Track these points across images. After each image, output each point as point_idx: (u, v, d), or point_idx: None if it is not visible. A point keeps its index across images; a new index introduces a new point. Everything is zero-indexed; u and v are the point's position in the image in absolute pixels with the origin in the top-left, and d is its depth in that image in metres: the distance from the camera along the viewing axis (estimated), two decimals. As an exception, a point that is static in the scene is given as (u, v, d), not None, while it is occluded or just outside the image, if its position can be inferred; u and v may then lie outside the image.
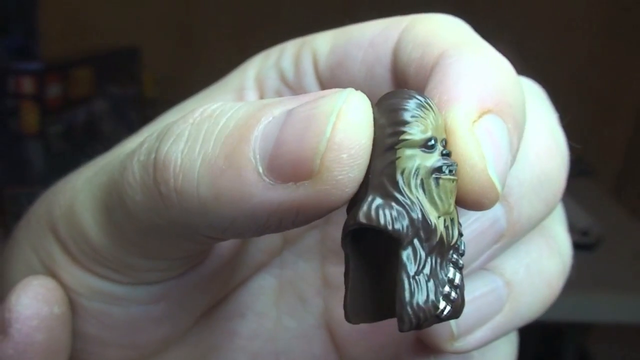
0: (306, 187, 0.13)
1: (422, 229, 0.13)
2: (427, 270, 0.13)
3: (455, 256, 0.14)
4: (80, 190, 0.18)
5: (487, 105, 0.14)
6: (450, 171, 0.14)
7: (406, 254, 0.13)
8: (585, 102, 1.29)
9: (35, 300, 0.16)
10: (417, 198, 0.13)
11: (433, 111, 0.14)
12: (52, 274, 0.18)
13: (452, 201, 0.14)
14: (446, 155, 0.14)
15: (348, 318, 0.14)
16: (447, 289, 0.14)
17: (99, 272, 0.18)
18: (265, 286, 0.22)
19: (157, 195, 0.15)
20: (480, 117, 0.14)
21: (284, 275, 0.22)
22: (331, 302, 0.21)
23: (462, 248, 0.14)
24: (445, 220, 0.14)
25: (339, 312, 0.19)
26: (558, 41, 1.23)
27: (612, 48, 1.29)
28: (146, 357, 0.20)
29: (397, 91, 0.14)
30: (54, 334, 0.16)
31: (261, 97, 0.20)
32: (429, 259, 0.13)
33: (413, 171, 0.13)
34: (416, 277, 0.13)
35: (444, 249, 0.14)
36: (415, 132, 0.13)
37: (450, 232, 0.14)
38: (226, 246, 0.19)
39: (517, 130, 0.15)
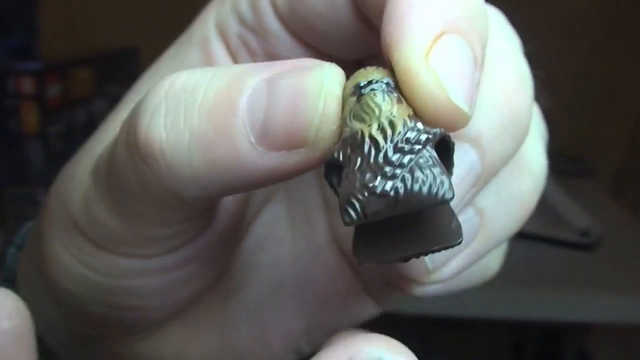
0: (300, 153, 0.14)
1: (350, 141, 0.14)
2: (362, 166, 0.14)
3: (404, 145, 0.14)
4: (89, 185, 0.18)
5: (439, 28, 0.15)
6: (372, 89, 0.14)
7: (345, 168, 0.14)
8: (585, 102, 1.29)
9: None
10: (351, 126, 0.14)
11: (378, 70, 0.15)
12: (86, 266, 0.19)
13: (387, 107, 0.14)
14: (376, 82, 0.15)
15: (357, 259, 0.15)
16: (387, 169, 0.13)
17: (125, 253, 0.19)
18: (278, 215, 0.23)
19: (147, 172, 0.15)
20: (434, 43, 0.14)
21: (291, 202, 0.23)
22: (334, 220, 0.23)
23: (413, 137, 0.14)
24: (379, 122, 0.14)
25: (342, 228, 0.21)
26: (558, 41, 1.23)
27: (612, 48, 1.29)
28: (181, 311, 0.22)
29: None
30: (5, 350, 0.15)
31: (226, 45, 0.20)
32: (363, 160, 0.14)
33: (348, 111, 0.14)
34: (349, 175, 0.14)
35: (380, 145, 0.14)
36: (349, 85, 0.15)
37: (388, 129, 0.14)
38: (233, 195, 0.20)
39: (480, 41, 0.15)
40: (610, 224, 1.03)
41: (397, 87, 0.15)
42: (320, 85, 0.14)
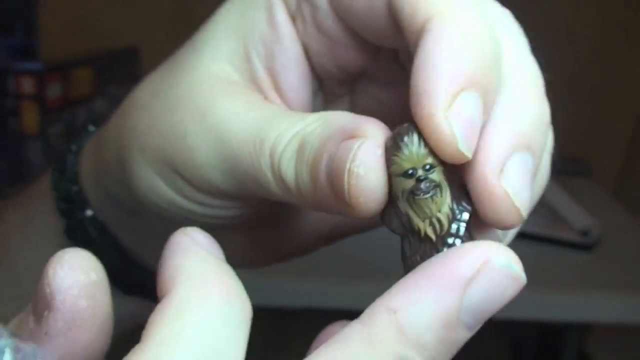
0: (347, 207, 0.19)
1: (409, 228, 0.19)
2: (421, 252, 0.19)
3: (450, 240, 0.19)
4: (198, 149, 0.23)
5: (459, 86, 0.18)
6: (423, 192, 0.19)
7: (406, 244, 0.20)
8: (585, 102, 1.29)
9: (71, 270, 0.17)
10: (405, 209, 0.19)
11: (417, 144, 0.19)
12: (178, 193, 0.24)
13: (435, 207, 0.19)
14: (423, 179, 0.19)
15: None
16: None
17: (217, 195, 0.24)
18: None
19: (287, 193, 0.21)
20: (454, 99, 0.18)
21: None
22: None
23: (459, 232, 0.19)
24: (430, 221, 0.19)
25: None
26: (558, 41, 1.23)
27: (612, 48, 1.29)
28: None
29: (397, 129, 0.19)
30: (96, 299, 0.18)
31: (287, 10, 0.24)
32: (422, 246, 0.19)
33: (400, 192, 0.19)
34: (413, 257, 0.19)
35: (433, 240, 0.19)
36: (398, 164, 0.19)
37: (438, 227, 0.19)
38: None
39: (490, 93, 0.19)
40: (610, 224, 1.03)
41: (437, 164, 0.19)
42: (345, 166, 0.19)
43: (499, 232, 0.21)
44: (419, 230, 0.19)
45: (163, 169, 0.24)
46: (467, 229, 0.19)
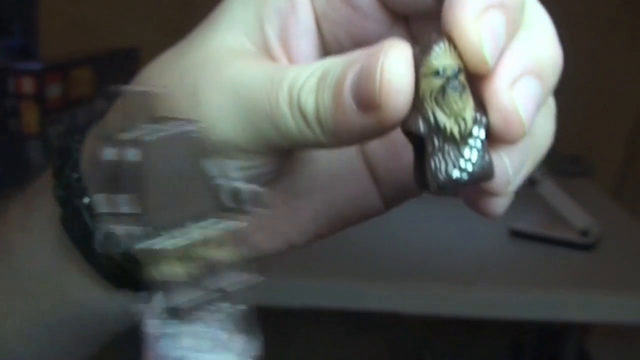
0: (376, 115, 0.20)
1: (434, 128, 0.20)
2: (444, 154, 0.20)
3: (471, 141, 0.21)
4: (210, 101, 0.23)
5: (488, 2, 0.20)
6: (453, 88, 0.20)
7: (429, 145, 0.20)
8: (585, 102, 1.29)
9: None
10: (432, 108, 0.20)
11: (446, 48, 0.20)
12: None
13: (461, 105, 0.20)
14: (453, 77, 0.20)
15: (415, 182, 0.22)
16: (462, 163, 0.21)
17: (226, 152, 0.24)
18: None
19: (304, 127, 0.22)
20: (483, 13, 0.20)
21: None
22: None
23: (479, 134, 0.21)
24: (456, 119, 0.20)
25: (368, 145, 0.27)
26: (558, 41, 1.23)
27: (612, 48, 1.29)
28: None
29: (423, 40, 0.21)
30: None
31: None
32: (444, 146, 0.20)
33: (428, 92, 0.20)
34: (435, 159, 0.20)
35: (457, 139, 0.20)
36: (427, 65, 0.20)
37: (462, 126, 0.20)
38: None
39: (514, 19, 0.21)
40: (610, 224, 1.03)
41: (463, 70, 0.20)
42: (376, 66, 0.20)
43: (508, 164, 0.22)
44: (445, 128, 0.20)
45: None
46: (486, 134, 0.21)
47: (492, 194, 0.23)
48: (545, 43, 0.22)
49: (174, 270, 0.20)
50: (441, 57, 0.20)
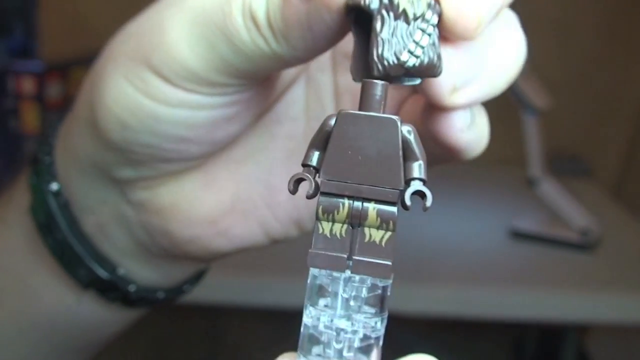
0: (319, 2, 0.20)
1: (388, 4, 0.19)
2: (393, 34, 0.19)
3: (423, 24, 0.19)
4: (171, 28, 0.23)
5: None
6: None
7: (378, 21, 0.19)
8: (585, 102, 1.29)
9: None
10: None
11: None
12: (145, 94, 0.24)
13: None
14: None
15: (352, 76, 0.21)
16: (412, 46, 0.19)
17: (187, 87, 0.24)
18: (296, 97, 0.29)
19: (256, 35, 0.22)
20: None
21: (309, 87, 0.29)
22: (341, 105, 0.28)
23: (432, 19, 0.19)
24: None
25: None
26: (558, 41, 1.23)
27: (612, 48, 1.29)
28: (216, 152, 0.28)
29: None
30: None
31: None
32: (395, 25, 0.19)
33: None
34: (383, 37, 0.19)
35: (409, 19, 0.19)
36: None
37: (416, 6, 0.19)
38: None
39: None
40: (610, 224, 1.03)
41: None
42: None
43: (456, 67, 0.21)
44: (398, 4, 0.19)
45: (134, 69, 0.24)
46: (439, 21, 0.20)
47: (436, 102, 0.22)
48: None
49: None
50: None
